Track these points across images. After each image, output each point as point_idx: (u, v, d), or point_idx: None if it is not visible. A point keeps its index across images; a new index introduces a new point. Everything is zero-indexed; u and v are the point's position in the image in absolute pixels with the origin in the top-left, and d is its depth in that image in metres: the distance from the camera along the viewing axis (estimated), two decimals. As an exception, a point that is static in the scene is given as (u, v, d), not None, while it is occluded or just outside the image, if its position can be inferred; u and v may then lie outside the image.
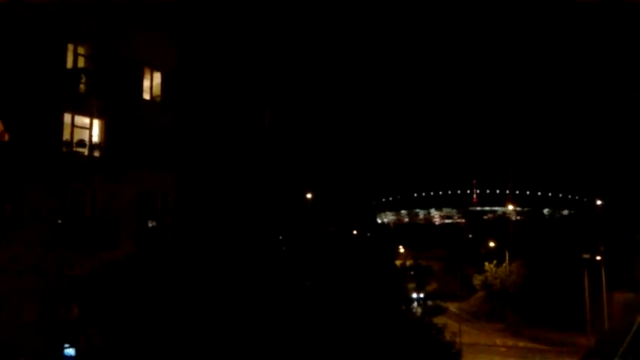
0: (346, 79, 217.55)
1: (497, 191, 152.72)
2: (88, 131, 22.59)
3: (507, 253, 64.07)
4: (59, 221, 21.52)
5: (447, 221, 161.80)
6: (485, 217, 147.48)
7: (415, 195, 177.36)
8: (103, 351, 18.25)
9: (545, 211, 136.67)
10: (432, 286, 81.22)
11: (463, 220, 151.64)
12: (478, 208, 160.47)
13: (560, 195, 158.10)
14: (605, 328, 45.14)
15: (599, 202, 68.00)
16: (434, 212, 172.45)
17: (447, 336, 27.72)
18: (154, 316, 15.92)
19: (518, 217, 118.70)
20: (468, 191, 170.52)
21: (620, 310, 46.64)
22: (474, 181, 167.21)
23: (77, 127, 22.30)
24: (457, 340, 30.83)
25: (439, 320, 34.18)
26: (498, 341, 54.78)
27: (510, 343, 54.07)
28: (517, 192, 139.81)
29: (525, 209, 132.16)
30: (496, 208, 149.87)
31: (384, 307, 24.71)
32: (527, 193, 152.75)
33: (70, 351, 21.26)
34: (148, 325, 15.91)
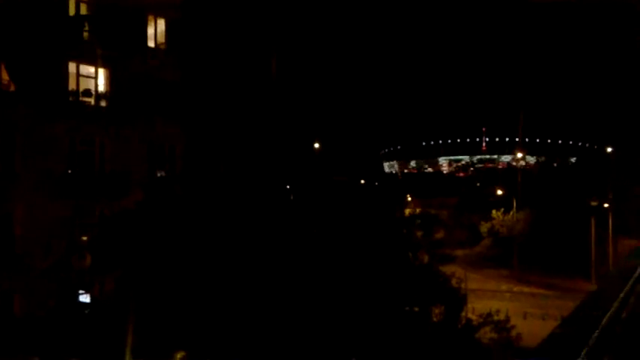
0: (353, 27, 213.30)
1: (507, 139, 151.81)
2: (93, 80, 22.42)
3: (515, 201, 64.11)
4: (69, 171, 21.68)
5: (455, 167, 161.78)
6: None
7: (423, 143, 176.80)
8: (116, 297, 18.75)
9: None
10: (439, 234, 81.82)
11: (472, 169, 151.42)
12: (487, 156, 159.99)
13: (570, 142, 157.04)
14: (608, 272, 45.72)
15: (608, 150, 67.46)
16: (442, 160, 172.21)
17: (453, 282, 28.02)
18: (165, 263, 16.23)
19: (528, 164, 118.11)
20: (477, 139, 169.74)
21: (624, 255, 47.08)
22: (484, 129, 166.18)
23: (82, 76, 22.10)
24: (463, 285, 31.21)
25: (446, 268, 34.53)
26: (504, 287, 55.53)
27: (516, 288, 54.82)
28: (527, 140, 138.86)
29: (535, 158, 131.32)
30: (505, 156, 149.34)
31: (392, 255, 24.97)
32: (537, 140, 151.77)
33: (85, 297, 21.81)
34: (158, 271, 16.25)
